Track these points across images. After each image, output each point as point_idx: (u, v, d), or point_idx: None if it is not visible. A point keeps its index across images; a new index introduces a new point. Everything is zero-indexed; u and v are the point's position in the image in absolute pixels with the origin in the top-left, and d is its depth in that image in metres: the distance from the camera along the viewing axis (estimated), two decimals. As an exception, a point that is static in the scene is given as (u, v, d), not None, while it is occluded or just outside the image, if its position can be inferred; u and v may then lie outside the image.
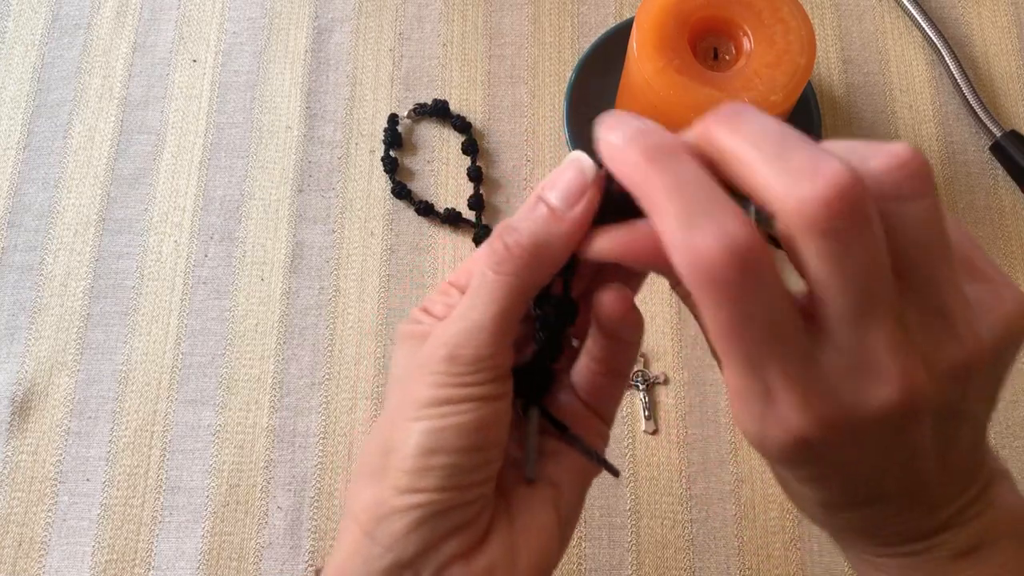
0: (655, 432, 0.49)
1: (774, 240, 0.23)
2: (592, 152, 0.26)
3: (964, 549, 0.26)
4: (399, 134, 0.55)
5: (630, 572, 0.46)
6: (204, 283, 0.52)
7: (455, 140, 0.55)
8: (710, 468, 0.48)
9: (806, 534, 0.47)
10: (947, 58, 0.55)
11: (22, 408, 0.49)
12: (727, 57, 0.47)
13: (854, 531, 0.28)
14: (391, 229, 0.53)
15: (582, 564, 0.46)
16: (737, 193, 0.22)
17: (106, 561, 0.47)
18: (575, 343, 0.31)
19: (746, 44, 0.47)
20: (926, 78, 0.56)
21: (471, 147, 0.54)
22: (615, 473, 0.32)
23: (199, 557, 0.47)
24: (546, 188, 0.27)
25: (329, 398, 0.49)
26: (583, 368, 0.30)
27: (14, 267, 0.52)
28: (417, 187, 0.54)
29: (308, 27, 0.58)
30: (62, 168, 0.55)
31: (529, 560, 0.28)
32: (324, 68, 0.57)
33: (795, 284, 0.23)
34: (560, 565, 0.46)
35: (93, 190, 0.54)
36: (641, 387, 0.49)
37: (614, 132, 0.24)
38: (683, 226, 0.21)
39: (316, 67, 0.57)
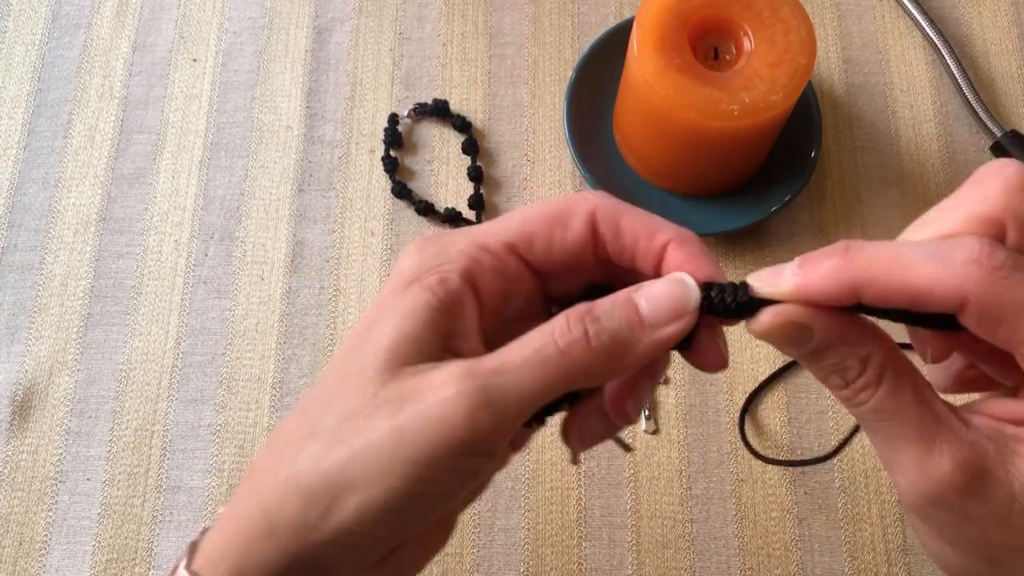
0: (656, 432, 0.49)
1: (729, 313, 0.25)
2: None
3: None
4: (399, 134, 0.55)
5: (630, 572, 0.46)
6: (204, 283, 0.52)
7: (455, 140, 0.55)
8: (710, 468, 0.48)
9: (806, 534, 0.47)
10: (948, 58, 0.55)
11: (22, 408, 0.49)
12: (727, 57, 0.47)
13: None
14: (391, 229, 0.53)
15: (582, 564, 0.46)
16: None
17: (106, 560, 0.47)
18: None
19: (746, 44, 0.47)
20: (927, 78, 0.56)
21: (471, 147, 0.54)
22: (627, 448, 0.33)
23: (199, 557, 0.47)
24: (643, 293, 0.25)
25: (329, 398, 0.49)
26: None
27: (14, 267, 0.52)
28: (417, 187, 0.54)
29: (308, 27, 0.58)
30: (62, 167, 0.55)
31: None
32: (324, 68, 0.57)
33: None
34: (560, 565, 0.46)
35: (93, 190, 0.54)
36: (641, 387, 0.49)
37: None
38: None
39: (316, 67, 0.57)
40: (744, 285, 0.25)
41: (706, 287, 0.26)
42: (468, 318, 0.26)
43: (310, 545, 0.25)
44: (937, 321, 0.24)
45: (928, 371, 0.30)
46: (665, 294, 0.25)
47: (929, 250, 0.23)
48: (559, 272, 0.28)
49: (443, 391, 0.24)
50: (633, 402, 0.28)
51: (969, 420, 0.25)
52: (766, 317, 0.25)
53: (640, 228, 0.27)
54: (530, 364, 0.24)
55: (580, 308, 0.25)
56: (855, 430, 0.46)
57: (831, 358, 0.25)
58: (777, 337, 0.25)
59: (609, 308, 0.25)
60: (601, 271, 0.29)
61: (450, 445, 0.24)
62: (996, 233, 0.24)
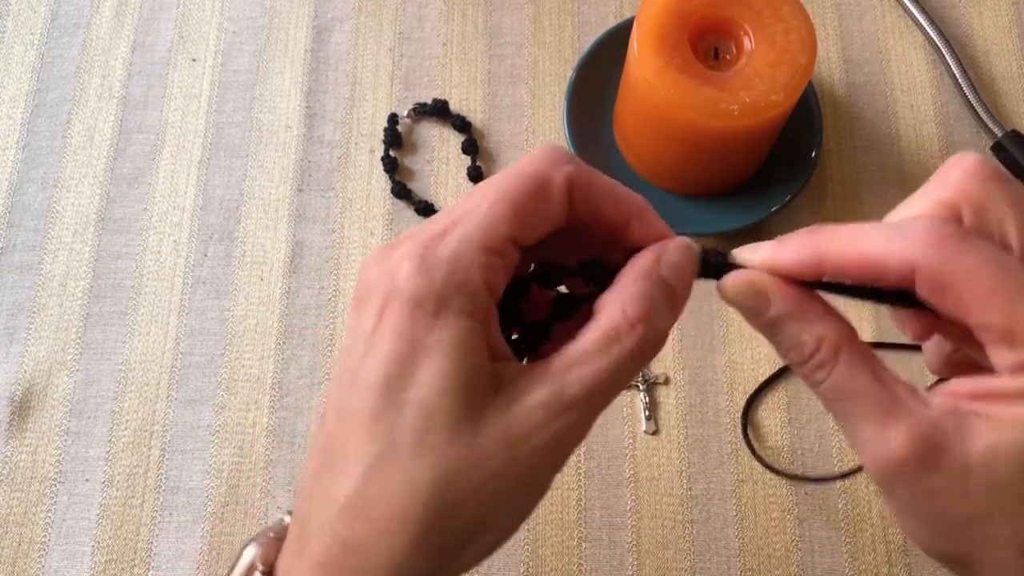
0: (656, 432, 0.49)
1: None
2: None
3: None
4: (399, 134, 0.55)
5: (631, 573, 0.46)
6: (203, 283, 0.52)
7: (455, 140, 0.55)
8: (710, 468, 0.48)
9: (807, 534, 0.47)
10: (948, 58, 0.55)
11: (21, 408, 0.49)
12: (728, 56, 0.47)
13: None
14: (391, 229, 0.53)
15: (583, 565, 0.46)
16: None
17: (105, 561, 0.47)
18: None
19: (747, 43, 0.47)
20: (927, 78, 0.56)
21: (471, 147, 0.54)
22: None
23: (199, 557, 0.47)
24: (672, 274, 0.27)
25: (329, 398, 0.49)
26: None
27: (13, 267, 0.52)
28: (417, 187, 0.54)
29: (308, 26, 0.58)
30: (61, 167, 0.55)
31: None
32: (324, 68, 0.57)
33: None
34: (560, 566, 0.46)
35: (92, 190, 0.54)
36: (641, 387, 0.49)
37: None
38: None
39: (316, 67, 0.57)
40: (725, 253, 0.28)
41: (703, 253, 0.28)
42: (496, 323, 0.27)
43: None
44: (896, 297, 0.26)
45: (924, 352, 0.31)
46: (687, 269, 0.27)
47: (885, 227, 0.26)
48: (536, 243, 0.28)
49: (549, 430, 0.25)
50: None
51: (929, 400, 0.26)
52: (730, 279, 0.27)
53: (609, 193, 0.28)
54: (614, 383, 0.26)
55: (636, 312, 0.26)
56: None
57: (787, 331, 0.27)
58: (740, 301, 0.27)
59: (660, 303, 0.27)
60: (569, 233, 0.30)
61: (564, 463, 0.26)
62: (954, 216, 0.26)
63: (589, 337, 0.26)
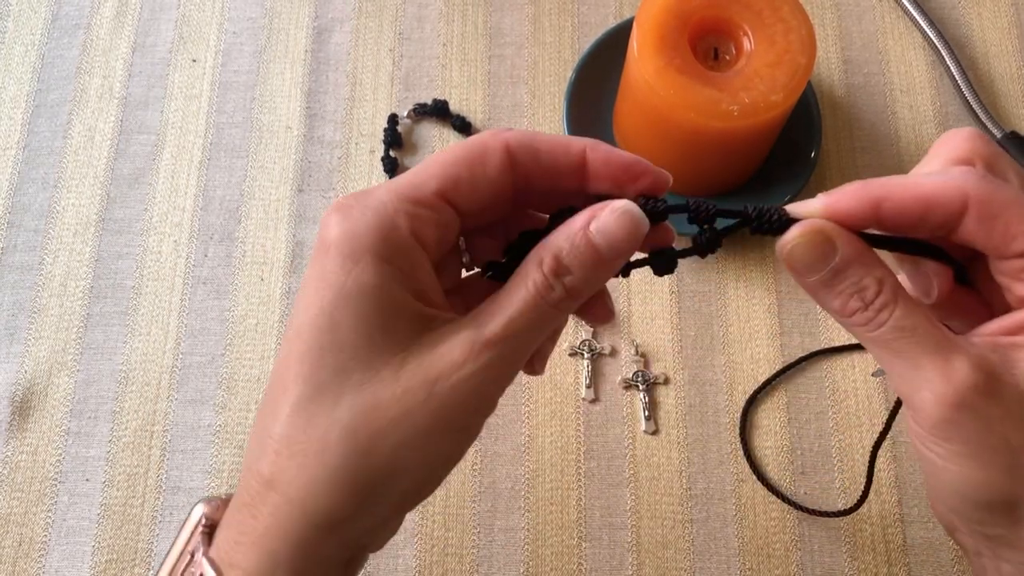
0: (655, 432, 0.49)
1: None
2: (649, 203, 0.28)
3: None
4: (399, 134, 0.55)
5: (630, 572, 0.46)
6: (204, 283, 0.52)
7: (455, 140, 0.55)
8: (710, 468, 0.48)
9: (806, 534, 0.47)
10: (947, 59, 0.55)
11: (22, 408, 0.49)
12: (727, 57, 0.47)
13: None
14: (391, 229, 0.53)
15: (582, 564, 0.46)
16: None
17: (106, 561, 0.47)
18: None
19: (746, 44, 0.47)
20: (926, 79, 0.56)
21: (471, 147, 0.54)
22: None
23: (199, 557, 0.47)
24: (601, 233, 0.27)
25: (329, 398, 0.49)
26: None
27: (14, 267, 0.52)
28: (417, 187, 0.54)
29: (308, 27, 0.58)
30: (62, 168, 0.55)
31: None
32: (324, 68, 0.57)
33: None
34: (560, 565, 0.46)
35: (93, 190, 0.54)
36: (641, 387, 0.49)
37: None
38: None
39: (316, 67, 0.57)
40: (780, 209, 0.28)
41: (747, 209, 0.29)
42: (425, 271, 0.27)
43: (366, 529, 0.27)
44: (928, 249, 0.28)
45: None
46: (619, 233, 0.27)
47: (930, 174, 0.27)
48: (479, 209, 0.29)
49: (467, 368, 0.26)
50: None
51: (970, 339, 0.27)
52: (796, 229, 0.27)
53: (556, 144, 0.28)
54: (531, 327, 0.26)
55: (549, 256, 0.26)
56: (865, 493, 0.46)
57: (851, 277, 0.27)
58: (804, 250, 0.27)
59: (576, 252, 0.27)
60: (516, 201, 0.30)
61: (486, 410, 0.27)
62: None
63: (512, 283, 0.27)
